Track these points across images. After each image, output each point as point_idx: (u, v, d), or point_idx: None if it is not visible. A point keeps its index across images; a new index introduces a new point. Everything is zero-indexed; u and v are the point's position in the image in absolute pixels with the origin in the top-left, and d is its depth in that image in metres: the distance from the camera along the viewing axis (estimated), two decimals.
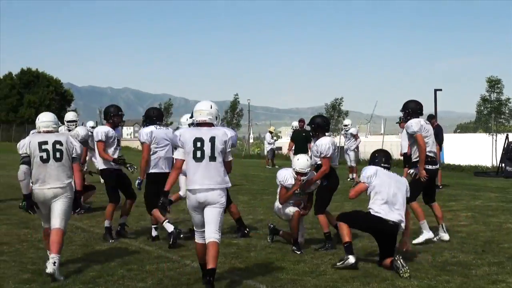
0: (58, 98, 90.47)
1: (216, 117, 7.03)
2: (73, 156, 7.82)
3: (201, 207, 6.78)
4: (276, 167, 24.90)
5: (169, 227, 9.14)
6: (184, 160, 6.96)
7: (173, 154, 9.17)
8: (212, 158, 6.76)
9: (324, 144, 8.85)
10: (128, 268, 7.69)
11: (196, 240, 7.07)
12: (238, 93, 56.08)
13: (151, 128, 9.59)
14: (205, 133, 6.81)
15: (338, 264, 7.76)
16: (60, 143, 7.71)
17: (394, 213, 7.80)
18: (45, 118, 7.89)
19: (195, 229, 7.10)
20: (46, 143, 7.62)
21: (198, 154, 6.74)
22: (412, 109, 9.62)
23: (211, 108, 6.97)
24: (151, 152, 9.48)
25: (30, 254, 8.58)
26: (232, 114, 54.09)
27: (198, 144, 6.76)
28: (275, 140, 31.35)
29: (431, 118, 18.09)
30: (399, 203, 7.88)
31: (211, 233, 6.71)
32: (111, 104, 10.46)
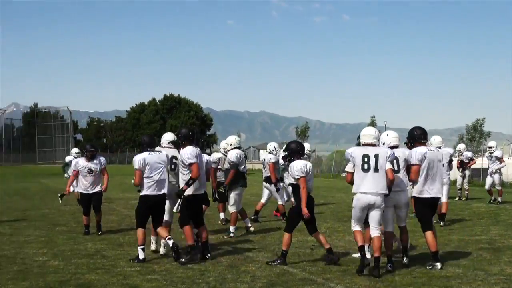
0: (199, 123, 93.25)
1: (378, 139, 9.02)
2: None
3: (367, 207, 8.76)
4: None
5: (162, 250, 10.25)
6: (353, 172, 8.88)
7: (167, 176, 10.24)
8: (376, 170, 8.70)
9: (295, 166, 9.48)
10: None
11: (353, 229, 9.01)
12: (375, 115, 55.85)
13: (144, 154, 10.05)
14: (371, 151, 8.81)
15: (428, 268, 8.98)
16: (176, 158, 10.47)
17: (435, 189, 9.37)
18: (167, 137, 10.93)
19: (353, 221, 8.99)
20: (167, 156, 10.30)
21: (365, 166, 8.71)
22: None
23: (375, 133, 9.01)
24: (146, 176, 9.95)
25: (180, 274, 8.86)
26: None
27: (366, 159, 8.75)
28: None
29: None
30: (439, 179, 9.46)
31: (374, 229, 8.83)
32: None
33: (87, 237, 12.69)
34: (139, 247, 9.88)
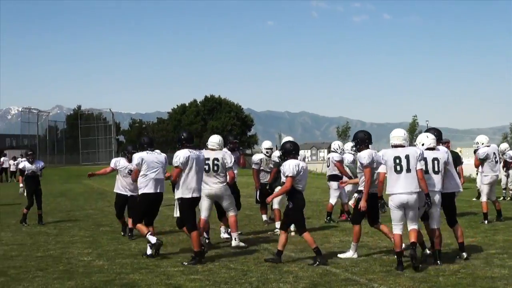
0: (239, 123, 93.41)
1: (407, 140, 9.36)
2: (226, 167, 11.09)
3: (402, 206, 9.05)
4: None
5: (152, 239, 10.18)
6: (386, 173, 9.25)
7: (164, 176, 10.69)
8: (408, 170, 9.00)
9: (287, 165, 9.72)
10: None
11: (394, 232, 9.20)
12: (417, 115, 55.58)
13: (143, 154, 10.57)
14: (401, 152, 9.13)
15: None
16: (217, 159, 11.03)
17: None
18: (213, 139, 11.33)
19: (393, 223, 9.22)
20: (208, 159, 10.87)
21: (398, 168, 9.03)
22: (361, 139, 10.16)
23: (404, 135, 9.41)
24: (143, 174, 10.47)
25: (223, 274, 8.89)
26: (411, 135, 53.52)
27: (397, 161, 9.06)
28: None
29: None
30: None
31: (411, 225, 9.11)
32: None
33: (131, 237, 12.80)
34: (147, 236, 10.23)
